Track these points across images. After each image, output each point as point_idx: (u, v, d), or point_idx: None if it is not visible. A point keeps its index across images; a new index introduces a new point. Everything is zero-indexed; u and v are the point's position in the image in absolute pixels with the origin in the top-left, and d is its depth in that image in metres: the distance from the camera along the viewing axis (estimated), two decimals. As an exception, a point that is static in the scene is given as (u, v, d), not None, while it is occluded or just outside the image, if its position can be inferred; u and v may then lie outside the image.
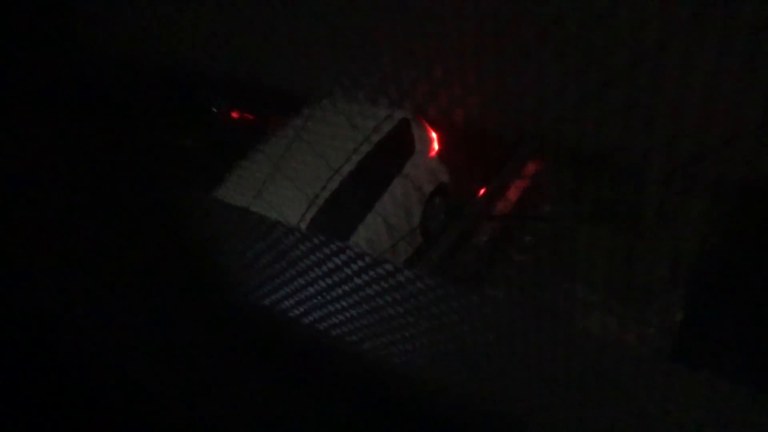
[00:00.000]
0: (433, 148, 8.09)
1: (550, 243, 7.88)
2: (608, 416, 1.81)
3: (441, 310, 1.85)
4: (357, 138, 7.17)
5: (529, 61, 1.12)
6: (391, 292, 1.89)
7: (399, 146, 7.66)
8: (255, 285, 2.32)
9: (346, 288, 2.02)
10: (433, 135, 8.04)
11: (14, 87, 1.78)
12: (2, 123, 1.85)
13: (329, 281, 2.05)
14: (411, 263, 7.71)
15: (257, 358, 2.41)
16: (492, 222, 8.09)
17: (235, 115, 8.16)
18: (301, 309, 2.25)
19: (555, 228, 7.88)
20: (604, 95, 1.07)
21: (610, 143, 1.12)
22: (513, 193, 8.30)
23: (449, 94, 1.29)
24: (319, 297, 2.13)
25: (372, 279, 1.92)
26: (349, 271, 1.95)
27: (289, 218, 6.45)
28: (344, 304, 2.08)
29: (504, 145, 8.16)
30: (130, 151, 2.06)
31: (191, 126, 7.88)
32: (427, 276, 1.83)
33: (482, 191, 8.33)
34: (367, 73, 1.35)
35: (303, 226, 6.43)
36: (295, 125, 7.33)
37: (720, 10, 0.91)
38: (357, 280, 1.96)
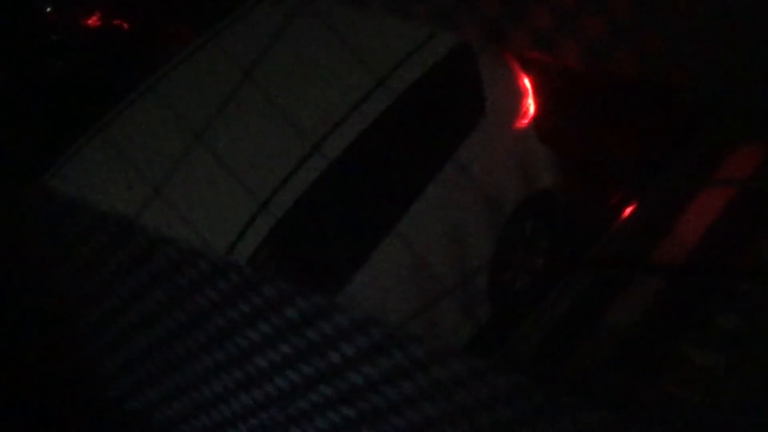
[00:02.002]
0: (525, 114, 5.00)
1: None
2: None
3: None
4: (357, 80, 4.49)
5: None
6: (418, 413, 1.39)
7: (447, 108, 4.84)
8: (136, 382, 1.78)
9: (326, 397, 1.49)
10: (526, 85, 4.98)
11: None
12: None
13: (293, 379, 1.51)
14: (466, 354, 4.57)
15: None
16: (653, 280, 5.05)
17: (89, 20, 5.27)
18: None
19: None
20: None
21: None
22: (698, 219, 5.13)
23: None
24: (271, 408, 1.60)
25: (380, 381, 1.39)
26: (332, 361, 1.42)
27: (211, 239, 4.20)
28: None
29: (681, 110, 5.39)
30: None
31: None
32: (499, 388, 1.32)
33: (630, 212, 5.28)
34: None
35: (241, 257, 4.15)
36: (222, 45, 4.55)
37: None
38: (349, 380, 1.43)
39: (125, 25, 5.22)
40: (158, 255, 1.61)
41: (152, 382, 1.84)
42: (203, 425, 1.80)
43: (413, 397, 1.43)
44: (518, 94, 4.92)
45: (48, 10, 4.95)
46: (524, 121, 4.93)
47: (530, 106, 4.94)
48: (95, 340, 1.89)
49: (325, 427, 1.55)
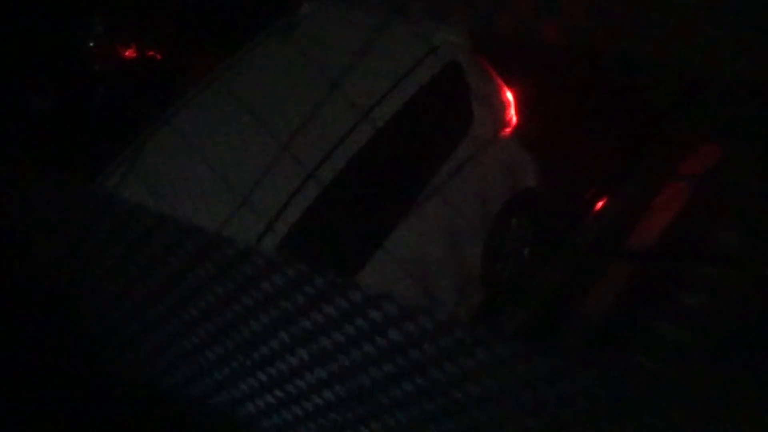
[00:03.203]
0: (509, 122, 4.76)
1: (735, 308, 4.58)
2: None
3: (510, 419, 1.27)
4: (354, 101, 4.18)
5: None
6: (412, 383, 1.35)
7: (439, 117, 4.57)
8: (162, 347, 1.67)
9: (341, 365, 1.44)
10: (509, 97, 4.75)
11: None
12: None
13: (312, 351, 1.45)
14: (462, 335, 4.30)
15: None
16: (624, 265, 4.85)
17: (127, 52, 5.11)
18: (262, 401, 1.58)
19: (746, 279, 4.61)
20: None
21: None
22: (665, 210, 4.91)
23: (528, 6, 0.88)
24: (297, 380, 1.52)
25: (387, 353, 1.35)
26: (347, 333, 1.37)
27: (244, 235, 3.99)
28: (336, 393, 1.48)
29: (649, 112, 5.14)
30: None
31: (42, 71, 4.85)
32: (493, 361, 1.25)
33: (604, 204, 5.06)
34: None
35: (269, 247, 3.97)
36: (239, 72, 4.28)
37: None
38: (360, 350, 1.38)
39: (157, 56, 5.13)
40: (215, 253, 1.54)
41: (196, 363, 1.76)
42: (240, 396, 1.73)
43: (423, 363, 1.38)
44: (502, 106, 4.68)
45: (91, 44, 4.88)
46: (508, 130, 4.70)
47: (513, 116, 4.70)
48: (151, 336, 1.83)
49: (351, 389, 1.49)
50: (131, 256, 1.54)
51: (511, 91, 4.64)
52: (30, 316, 1.91)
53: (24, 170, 1.73)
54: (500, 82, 4.59)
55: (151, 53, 5.06)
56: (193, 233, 1.47)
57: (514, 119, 4.68)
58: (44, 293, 1.88)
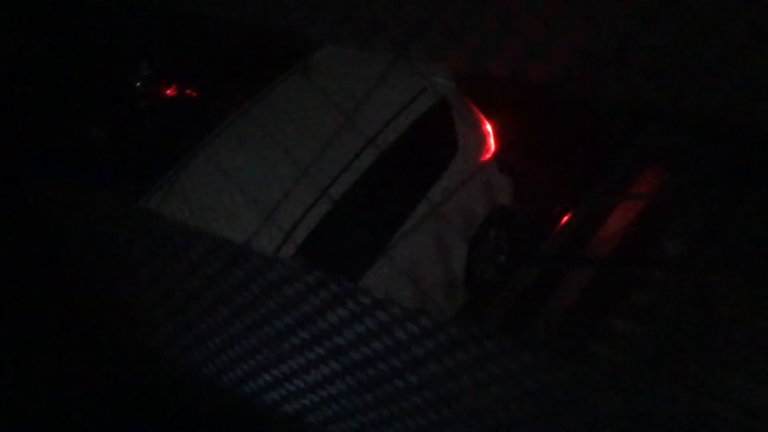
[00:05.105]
0: (488, 150, 4.40)
1: (677, 306, 4.21)
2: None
3: (498, 405, 1.16)
4: (361, 131, 3.85)
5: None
6: (414, 375, 1.24)
7: (430, 144, 4.19)
8: (196, 343, 1.53)
9: (336, 348, 1.32)
10: (488, 129, 4.41)
11: None
12: None
13: (327, 347, 1.33)
14: (448, 333, 3.85)
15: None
16: (584, 270, 4.41)
17: (169, 91, 4.87)
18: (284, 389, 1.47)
19: (686, 281, 4.26)
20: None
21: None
22: (618, 223, 4.51)
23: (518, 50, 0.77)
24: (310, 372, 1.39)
25: (391, 349, 1.23)
26: (358, 331, 1.25)
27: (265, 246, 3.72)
28: (347, 383, 1.36)
29: (604, 139, 4.80)
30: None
31: (99, 108, 4.64)
32: (475, 354, 1.15)
33: (567, 219, 4.67)
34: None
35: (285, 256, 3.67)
36: (264, 107, 3.96)
37: None
38: (373, 348, 1.26)
39: (194, 94, 4.91)
40: (244, 262, 1.43)
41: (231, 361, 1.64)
42: (264, 385, 1.64)
43: (422, 358, 1.30)
44: (482, 136, 4.41)
45: (138, 84, 4.71)
46: (488, 156, 4.42)
47: (491, 144, 4.41)
48: (185, 335, 1.71)
49: (360, 380, 1.41)
50: (171, 265, 1.45)
51: (491, 124, 4.38)
52: (77, 323, 1.79)
53: (83, 192, 1.63)
54: (481, 116, 4.36)
55: (189, 92, 4.85)
56: (225, 245, 1.38)
57: (493, 147, 4.41)
58: (92, 299, 1.77)
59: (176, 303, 1.52)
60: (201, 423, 1.83)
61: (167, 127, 4.63)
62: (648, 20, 0.83)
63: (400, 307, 1.24)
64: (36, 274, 1.83)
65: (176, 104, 4.83)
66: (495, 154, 4.38)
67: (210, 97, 4.92)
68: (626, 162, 4.71)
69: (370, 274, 3.87)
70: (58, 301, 1.74)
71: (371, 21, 1.00)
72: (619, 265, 4.36)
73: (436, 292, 4.18)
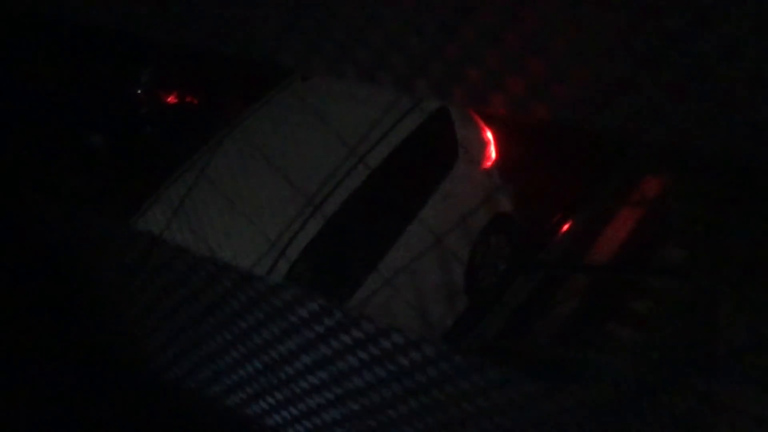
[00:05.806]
0: (488, 158, 4.46)
1: (678, 313, 3.94)
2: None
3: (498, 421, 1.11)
4: (360, 140, 3.93)
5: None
6: (413, 387, 1.22)
7: (430, 154, 4.24)
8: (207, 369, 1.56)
9: (336, 374, 1.33)
10: (489, 137, 4.45)
11: None
12: None
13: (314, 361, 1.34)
14: (449, 342, 4.29)
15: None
16: (584, 277, 4.52)
17: (169, 98, 4.88)
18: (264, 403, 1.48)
19: (687, 288, 3.93)
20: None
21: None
22: (618, 231, 4.55)
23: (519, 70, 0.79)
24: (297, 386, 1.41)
25: (377, 359, 1.23)
26: (343, 345, 1.26)
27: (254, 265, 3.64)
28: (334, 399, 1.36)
29: (604, 151, 4.72)
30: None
31: (99, 116, 4.64)
32: (475, 365, 1.13)
33: (567, 227, 4.72)
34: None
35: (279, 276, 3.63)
36: (257, 119, 4.00)
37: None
38: (351, 362, 1.27)
39: (194, 101, 4.92)
40: (249, 289, 1.43)
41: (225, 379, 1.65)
42: (268, 408, 1.64)
43: (426, 384, 1.30)
44: (483, 144, 4.45)
45: (138, 91, 4.71)
46: (488, 164, 4.46)
47: (492, 152, 4.45)
48: (189, 357, 1.71)
49: (361, 402, 1.40)
50: (171, 292, 1.45)
51: (491, 132, 4.41)
52: (79, 341, 1.79)
53: (82, 212, 1.62)
54: (482, 124, 4.39)
55: (188, 99, 4.84)
56: (228, 271, 1.38)
57: (494, 155, 4.44)
58: (93, 319, 1.76)
59: (177, 326, 1.52)
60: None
61: (167, 132, 4.63)
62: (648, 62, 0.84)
63: (402, 335, 1.24)
64: (38, 293, 1.83)
65: (175, 111, 4.82)
66: (495, 162, 4.41)
67: (209, 105, 4.92)
68: (626, 169, 4.71)
69: (371, 278, 3.88)
70: (59, 321, 1.74)
71: (374, 56, 1.00)
72: (620, 272, 4.42)
73: (434, 297, 4.19)
